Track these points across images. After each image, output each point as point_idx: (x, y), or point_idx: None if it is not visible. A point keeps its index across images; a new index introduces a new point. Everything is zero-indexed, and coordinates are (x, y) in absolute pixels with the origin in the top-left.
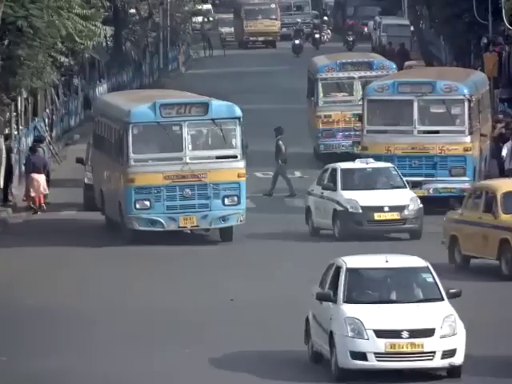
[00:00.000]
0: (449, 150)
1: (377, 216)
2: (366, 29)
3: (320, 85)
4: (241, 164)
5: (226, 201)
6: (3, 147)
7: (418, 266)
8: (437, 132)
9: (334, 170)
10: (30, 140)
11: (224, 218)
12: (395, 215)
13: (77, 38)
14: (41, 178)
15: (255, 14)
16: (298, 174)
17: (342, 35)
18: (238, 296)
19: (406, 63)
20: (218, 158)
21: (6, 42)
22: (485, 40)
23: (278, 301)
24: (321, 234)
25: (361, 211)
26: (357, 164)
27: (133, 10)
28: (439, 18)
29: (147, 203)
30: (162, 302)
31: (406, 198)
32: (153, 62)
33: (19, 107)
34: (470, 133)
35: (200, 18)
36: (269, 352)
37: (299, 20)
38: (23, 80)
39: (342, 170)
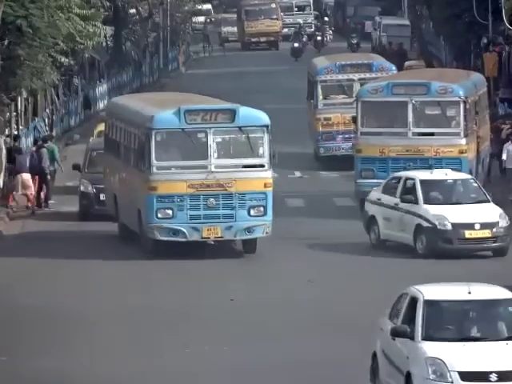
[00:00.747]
0: (444, 152)
1: (468, 234)
2: (365, 27)
3: (319, 87)
4: (268, 174)
5: (252, 211)
6: (3, 147)
7: (504, 298)
8: (432, 134)
9: (411, 181)
10: (30, 140)
11: (249, 230)
12: (486, 233)
13: (77, 38)
14: (27, 177)
15: (256, 14)
16: (298, 174)
17: (342, 35)
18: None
19: (407, 63)
20: (244, 166)
21: (5, 42)
22: (485, 40)
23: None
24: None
25: (450, 228)
26: (435, 175)
27: (133, 10)
28: (439, 17)
29: (169, 212)
30: (164, 302)
31: (495, 215)
32: (153, 62)
33: (19, 107)
34: (466, 135)
35: (200, 18)
36: (270, 356)
37: (301, 20)
38: (23, 80)
39: (422, 181)
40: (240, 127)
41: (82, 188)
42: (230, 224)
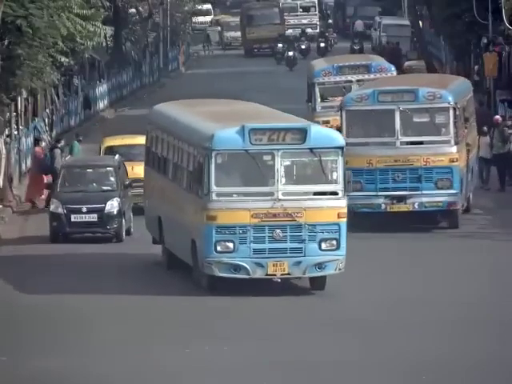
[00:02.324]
0: (434, 161)
1: None
2: (356, 26)
3: (317, 89)
4: (342, 202)
5: (324, 245)
6: (3, 147)
7: None
8: (421, 143)
9: None
10: (30, 140)
11: (320, 266)
12: None
13: (77, 39)
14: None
15: (257, 19)
16: None
17: (344, 36)
18: None
19: (406, 63)
20: (315, 194)
21: (5, 42)
22: (485, 40)
23: None
24: None
25: None
26: None
27: (133, 10)
28: (439, 17)
29: (230, 245)
30: (165, 302)
31: None
32: (153, 62)
33: (19, 107)
34: (456, 143)
35: (200, 18)
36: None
37: (305, 21)
38: (23, 80)
39: None
40: (311, 149)
41: (51, 208)
42: (299, 259)
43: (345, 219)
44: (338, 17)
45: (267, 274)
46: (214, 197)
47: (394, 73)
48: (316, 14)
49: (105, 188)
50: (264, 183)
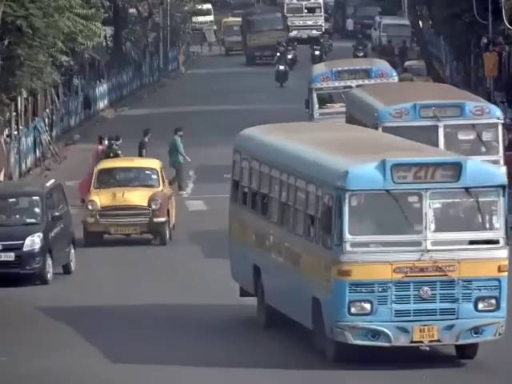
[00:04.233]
0: None
1: None
2: (347, 24)
3: (315, 95)
4: (503, 253)
5: (480, 305)
6: (3, 146)
7: None
8: None
9: None
10: (30, 140)
11: (477, 330)
12: None
13: (78, 39)
14: None
15: (258, 25)
16: None
17: (342, 34)
18: None
19: (406, 63)
20: (471, 243)
21: (6, 42)
22: (485, 40)
23: None
24: None
25: None
26: None
27: (133, 10)
28: (439, 17)
29: (367, 306)
30: (164, 301)
31: None
32: (153, 62)
33: (19, 107)
34: (506, 163)
35: (200, 18)
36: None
37: (310, 23)
38: (23, 80)
39: None
40: (467, 188)
41: None
42: (451, 322)
43: (506, 273)
44: (338, 17)
45: (412, 341)
46: (347, 247)
47: (396, 78)
48: (321, 16)
49: (28, 221)
50: (409, 230)
